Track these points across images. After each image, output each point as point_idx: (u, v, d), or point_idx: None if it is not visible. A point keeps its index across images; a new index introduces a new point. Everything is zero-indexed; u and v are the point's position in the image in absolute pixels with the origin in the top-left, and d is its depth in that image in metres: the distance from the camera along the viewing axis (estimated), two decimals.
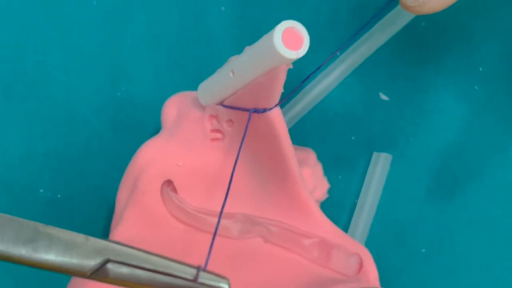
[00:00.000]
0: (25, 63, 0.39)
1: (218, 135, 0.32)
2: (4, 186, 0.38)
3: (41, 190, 0.38)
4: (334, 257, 0.31)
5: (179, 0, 0.40)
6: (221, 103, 0.30)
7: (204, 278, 0.21)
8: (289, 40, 0.25)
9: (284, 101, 0.29)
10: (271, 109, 0.28)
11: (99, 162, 0.39)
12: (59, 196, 0.38)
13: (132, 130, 0.39)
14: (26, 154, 0.38)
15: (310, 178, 0.34)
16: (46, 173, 0.38)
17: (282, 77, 0.26)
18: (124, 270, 0.21)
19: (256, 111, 0.28)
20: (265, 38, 0.26)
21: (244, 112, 0.29)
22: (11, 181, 0.38)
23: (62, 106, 0.39)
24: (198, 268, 0.21)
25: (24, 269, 0.37)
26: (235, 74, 0.28)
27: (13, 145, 0.38)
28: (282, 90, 0.27)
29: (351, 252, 0.31)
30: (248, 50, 0.28)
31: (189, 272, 0.22)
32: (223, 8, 0.40)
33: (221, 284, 0.21)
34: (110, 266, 0.21)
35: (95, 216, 0.38)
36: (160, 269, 0.22)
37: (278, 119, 0.28)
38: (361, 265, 0.31)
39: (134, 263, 0.22)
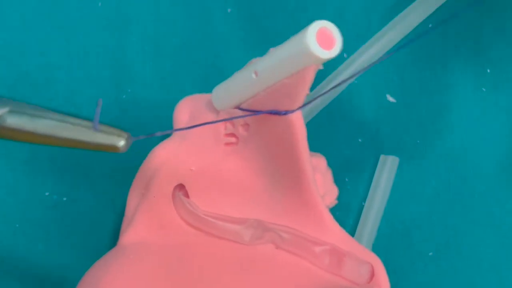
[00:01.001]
0: (29, 64, 0.39)
1: (232, 139, 0.31)
2: (10, 189, 0.38)
3: (47, 193, 0.38)
4: (346, 265, 0.31)
5: (184, 2, 0.40)
6: (238, 107, 0.30)
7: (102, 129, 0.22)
8: (322, 39, 0.24)
9: (307, 105, 0.28)
10: (293, 111, 0.27)
11: (104, 165, 0.38)
12: (64, 199, 0.38)
13: (137, 132, 0.38)
14: (31, 156, 0.38)
15: (322, 184, 0.34)
16: (51, 176, 0.38)
17: (310, 79, 0.26)
18: (24, 119, 0.21)
19: (277, 113, 0.28)
20: (296, 37, 0.25)
21: (261, 115, 0.28)
22: (16, 184, 0.38)
23: (66, 108, 0.37)
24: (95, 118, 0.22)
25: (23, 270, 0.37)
26: (258, 76, 0.28)
27: (18, 148, 0.38)
28: (308, 93, 0.27)
29: (362, 260, 0.31)
30: (274, 50, 0.27)
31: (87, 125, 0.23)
32: (229, 10, 0.40)
33: (119, 139, 0.22)
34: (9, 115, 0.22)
35: (101, 218, 0.38)
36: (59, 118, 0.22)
37: (299, 122, 0.28)
38: (372, 274, 0.31)
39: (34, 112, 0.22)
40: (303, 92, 0.27)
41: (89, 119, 0.24)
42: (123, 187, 0.34)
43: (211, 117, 0.31)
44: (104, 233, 0.38)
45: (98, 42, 0.39)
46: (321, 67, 0.26)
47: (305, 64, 0.26)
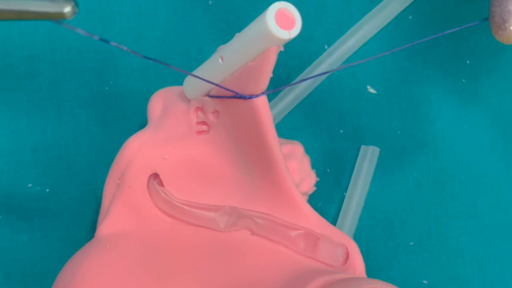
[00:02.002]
0: (13, 57, 0.39)
1: (204, 128, 0.32)
2: None
3: (30, 185, 0.38)
4: (321, 248, 0.31)
5: None
6: (207, 94, 0.31)
7: None
8: (282, 20, 0.25)
9: (270, 92, 0.29)
10: (258, 96, 0.28)
11: (87, 157, 0.39)
12: (47, 190, 0.38)
13: (120, 124, 0.39)
14: (13, 148, 0.38)
15: (297, 171, 0.34)
16: (34, 167, 0.38)
17: (272, 60, 0.27)
18: None
19: (242, 97, 0.28)
20: (257, 19, 0.26)
21: (230, 101, 0.29)
22: None
23: (49, 100, 0.39)
24: None
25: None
26: (224, 61, 0.28)
27: (1, 140, 0.38)
28: (271, 75, 0.27)
29: (337, 243, 0.31)
30: (238, 35, 0.28)
31: None
32: (210, 2, 0.40)
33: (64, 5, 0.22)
34: None
35: (84, 210, 0.38)
36: None
37: (263, 107, 0.28)
38: (347, 256, 0.31)
39: None
40: (267, 74, 0.27)
41: None
42: (105, 179, 0.34)
43: (182, 106, 0.32)
44: (87, 224, 0.38)
45: (80, 35, 0.40)
46: (282, 49, 0.27)
47: (266, 45, 0.26)
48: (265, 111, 0.28)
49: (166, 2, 0.40)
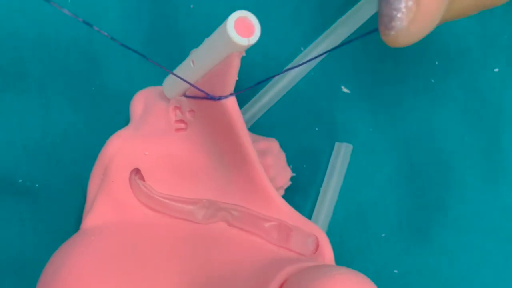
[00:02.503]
0: (3, 58, 0.40)
1: (182, 125, 0.33)
2: None
3: (20, 180, 0.39)
4: (293, 238, 0.32)
5: None
6: (184, 94, 0.32)
7: None
8: (242, 28, 0.27)
9: (242, 92, 0.30)
10: (226, 97, 0.29)
11: (75, 153, 0.39)
12: (37, 185, 0.39)
13: (105, 122, 0.39)
14: (4, 145, 0.39)
15: (273, 166, 0.35)
16: (24, 163, 0.39)
17: (235, 64, 0.28)
18: None
19: (212, 98, 0.30)
20: (220, 27, 0.27)
21: (204, 101, 0.30)
22: None
23: (38, 100, 0.40)
24: None
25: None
26: (195, 64, 0.30)
27: None
28: (237, 78, 0.29)
29: (308, 233, 0.33)
30: (206, 40, 0.29)
31: None
32: (192, 6, 0.41)
33: None
34: None
35: (72, 203, 0.38)
36: None
37: (232, 107, 0.29)
38: (317, 246, 0.32)
39: None
40: (232, 77, 0.29)
41: None
42: None
43: (162, 105, 0.33)
44: (75, 217, 0.39)
45: (68, 37, 0.40)
46: (243, 54, 0.28)
47: (229, 51, 0.28)
48: (234, 111, 0.30)
49: (149, 6, 0.41)
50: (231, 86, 0.29)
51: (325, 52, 0.29)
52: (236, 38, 0.27)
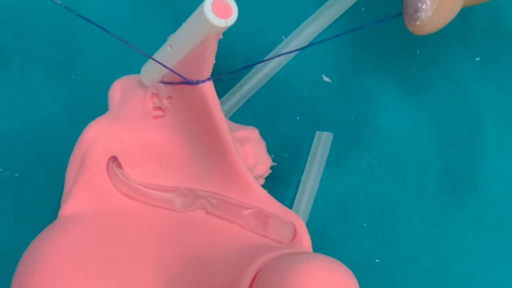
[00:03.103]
0: None
1: (160, 113, 0.33)
2: None
3: (0, 169, 0.39)
4: (271, 226, 0.32)
5: None
6: (162, 81, 0.32)
7: None
8: (219, 10, 0.27)
9: (219, 77, 0.30)
10: (203, 81, 0.29)
11: (56, 143, 0.39)
12: (17, 175, 0.39)
13: (86, 111, 0.40)
14: None
15: (253, 154, 0.35)
16: (5, 153, 0.39)
17: (213, 47, 0.28)
18: None
19: (189, 82, 0.29)
20: (197, 9, 0.27)
21: (181, 87, 0.30)
22: None
23: (19, 89, 0.40)
24: None
25: None
26: (172, 49, 0.30)
27: None
28: (214, 61, 0.29)
29: (286, 221, 0.33)
30: (184, 24, 0.29)
31: None
32: None
33: None
34: None
35: (52, 193, 0.39)
36: None
37: (209, 91, 0.29)
38: (295, 233, 0.32)
39: None
40: (209, 61, 0.28)
41: None
42: None
43: (140, 93, 0.33)
44: (55, 207, 0.38)
45: (48, 26, 0.41)
46: (221, 36, 0.28)
47: (205, 33, 0.28)
48: (211, 96, 0.30)
49: None
50: (208, 70, 0.29)
51: (327, 39, 0.30)
52: (214, 20, 0.26)
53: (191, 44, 0.29)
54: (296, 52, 0.41)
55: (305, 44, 0.41)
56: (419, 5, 0.27)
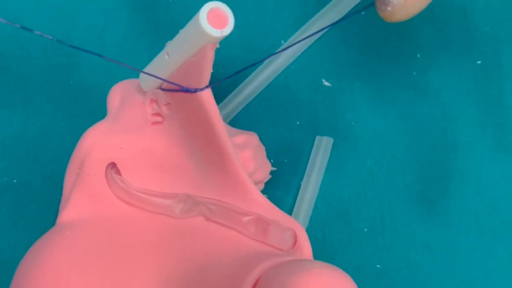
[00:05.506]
0: None
1: (159, 119, 0.33)
2: None
3: None
4: (271, 232, 0.32)
5: None
6: (160, 87, 0.32)
7: None
8: (215, 19, 0.26)
9: (217, 84, 0.30)
10: (202, 89, 0.29)
11: (54, 149, 0.39)
12: (15, 181, 0.39)
13: (85, 117, 0.39)
14: None
15: (252, 159, 0.35)
16: (2, 159, 0.39)
17: (210, 56, 0.28)
18: None
19: (188, 90, 0.29)
20: (193, 19, 0.27)
21: (180, 94, 0.30)
22: None
23: (17, 95, 0.40)
24: None
25: None
26: (169, 56, 0.30)
27: None
28: (212, 70, 0.28)
29: (286, 227, 0.32)
30: (181, 31, 0.29)
31: None
32: (170, 0, 0.41)
33: None
34: None
35: (50, 200, 0.38)
36: None
37: (207, 99, 0.29)
38: (295, 240, 0.32)
39: None
40: (207, 69, 0.28)
41: None
42: None
43: (139, 98, 0.33)
44: (53, 213, 0.38)
45: (47, 31, 0.40)
46: (217, 46, 0.28)
47: (202, 42, 0.27)
48: (210, 103, 0.29)
49: (128, 0, 0.41)
50: (206, 78, 0.29)
51: (323, 29, 0.29)
52: (209, 30, 0.26)
53: (187, 52, 0.28)
54: (296, 53, 0.41)
55: (304, 49, 0.41)
56: None
